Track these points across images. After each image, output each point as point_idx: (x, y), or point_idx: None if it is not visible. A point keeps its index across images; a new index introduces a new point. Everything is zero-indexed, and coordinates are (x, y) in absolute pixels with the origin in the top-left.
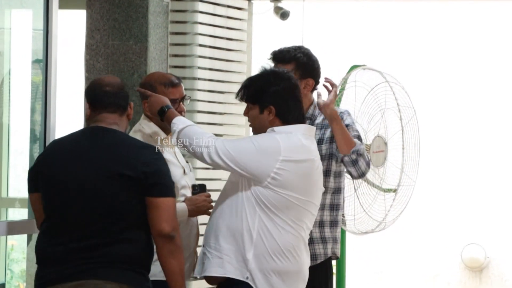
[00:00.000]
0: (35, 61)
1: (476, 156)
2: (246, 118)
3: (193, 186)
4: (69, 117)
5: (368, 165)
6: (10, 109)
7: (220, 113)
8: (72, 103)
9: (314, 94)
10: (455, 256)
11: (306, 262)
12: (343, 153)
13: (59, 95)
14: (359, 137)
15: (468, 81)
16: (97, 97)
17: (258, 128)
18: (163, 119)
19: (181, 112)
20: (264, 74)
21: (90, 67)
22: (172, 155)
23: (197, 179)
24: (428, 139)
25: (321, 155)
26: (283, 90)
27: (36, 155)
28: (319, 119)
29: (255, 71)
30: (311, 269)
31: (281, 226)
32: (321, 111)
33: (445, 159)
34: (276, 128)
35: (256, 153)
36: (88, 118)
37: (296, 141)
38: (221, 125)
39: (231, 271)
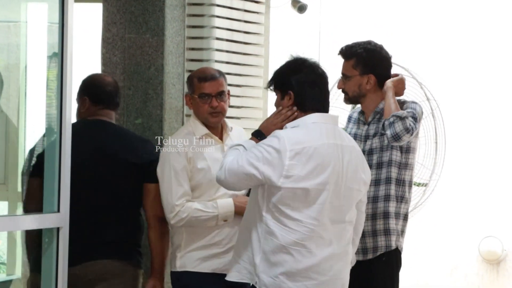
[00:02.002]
0: (51, 55)
1: (494, 149)
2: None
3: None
4: None
5: (407, 130)
6: (26, 103)
7: (238, 107)
8: None
9: None
10: (472, 249)
11: (328, 257)
12: (385, 118)
13: (75, 89)
14: (413, 117)
15: (486, 73)
16: (101, 95)
17: None
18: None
19: (216, 107)
20: (288, 62)
21: (106, 60)
22: (219, 151)
23: None
24: (444, 132)
25: (379, 147)
26: (303, 78)
27: (51, 148)
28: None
29: (272, 64)
30: (372, 261)
31: (287, 226)
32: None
33: (462, 152)
34: (288, 124)
35: (265, 158)
36: (84, 111)
37: (302, 130)
38: (238, 118)
39: (246, 276)
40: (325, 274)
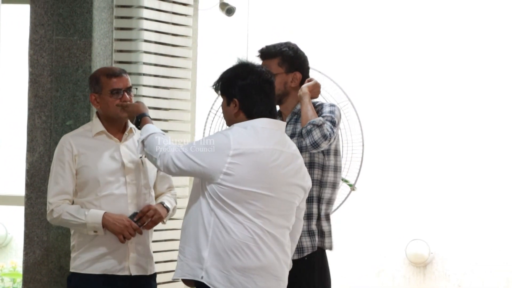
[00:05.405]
0: None
1: (420, 152)
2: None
3: (134, 213)
4: (12, 111)
5: (324, 137)
6: None
7: (166, 109)
8: (16, 98)
9: None
10: (399, 251)
11: (275, 258)
12: (302, 126)
13: (2, 89)
14: (331, 121)
15: (410, 77)
16: None
17: (227, 120)
18: (139, 128)
19: (126, 102)
20: (235, 67)
21: (34, 62)
22: (114, 150)
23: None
24: (370, 135)
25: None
26: (249, 84)
27: None
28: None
29: (200, 67)
30: (297, 262)
31: (239, 222)
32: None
33: (389, 155)
34: (237, 124)
35: (208, 151)
36: None
37: (249, 132)
38: (166, 120)
39: (188, 272)
40: (274, 274)
